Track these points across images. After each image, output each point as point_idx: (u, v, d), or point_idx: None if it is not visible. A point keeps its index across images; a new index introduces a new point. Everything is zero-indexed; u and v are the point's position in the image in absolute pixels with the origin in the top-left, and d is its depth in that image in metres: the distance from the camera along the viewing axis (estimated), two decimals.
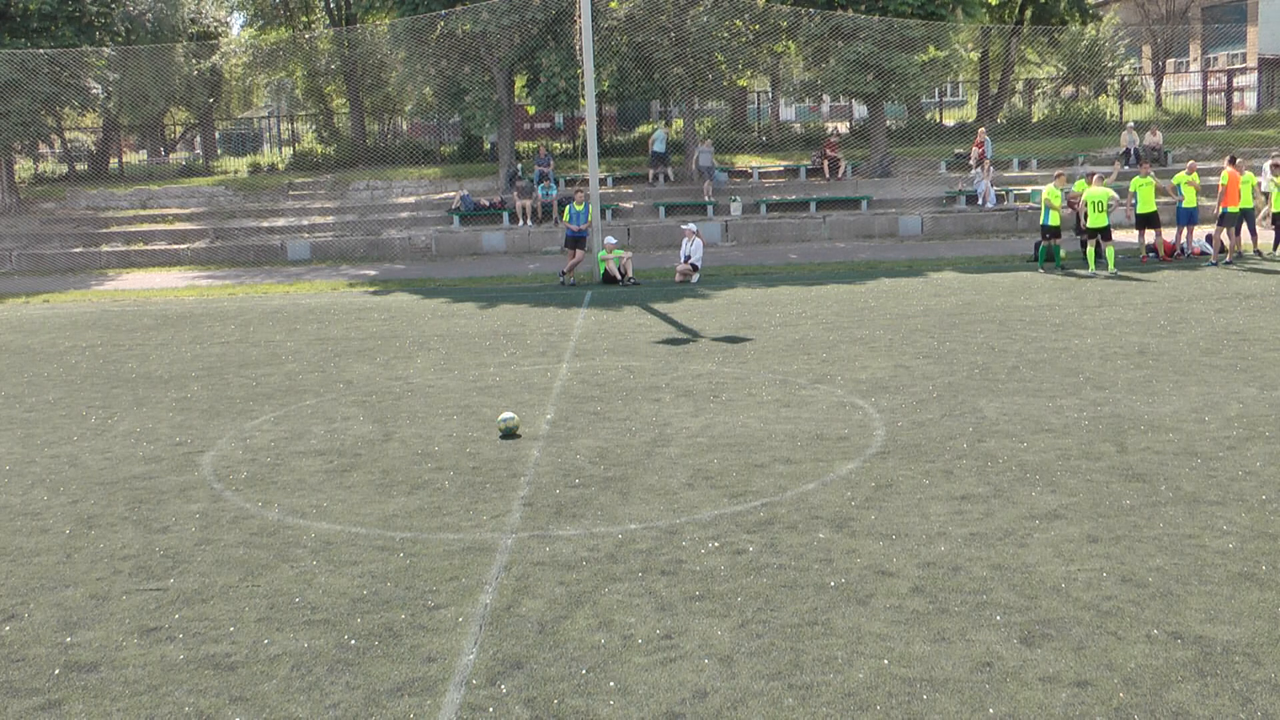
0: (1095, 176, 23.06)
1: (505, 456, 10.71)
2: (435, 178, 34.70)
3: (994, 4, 37.44)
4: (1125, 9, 48.73)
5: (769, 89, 41.82)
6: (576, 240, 24.17)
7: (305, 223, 32.36)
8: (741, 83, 35.54)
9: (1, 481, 10.62)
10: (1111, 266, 21.70)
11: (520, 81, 33.15)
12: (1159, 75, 43.77)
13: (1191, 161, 25.79)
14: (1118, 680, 5.96)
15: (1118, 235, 22.68)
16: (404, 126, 47.16)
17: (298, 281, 26.22)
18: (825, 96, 35.17)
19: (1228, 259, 22.68)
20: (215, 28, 41.71)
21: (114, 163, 40.53)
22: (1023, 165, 32.89)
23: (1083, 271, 21.82)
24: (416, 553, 8.25)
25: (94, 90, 32.86)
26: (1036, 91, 43.38)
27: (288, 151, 40.85)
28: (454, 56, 31.04)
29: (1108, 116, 37.73)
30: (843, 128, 40.46)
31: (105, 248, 31.34)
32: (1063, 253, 22.98)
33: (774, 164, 34.26)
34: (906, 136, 35.98)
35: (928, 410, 11.80)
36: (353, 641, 6.79)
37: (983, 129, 32.36)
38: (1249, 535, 7.93)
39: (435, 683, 6.24)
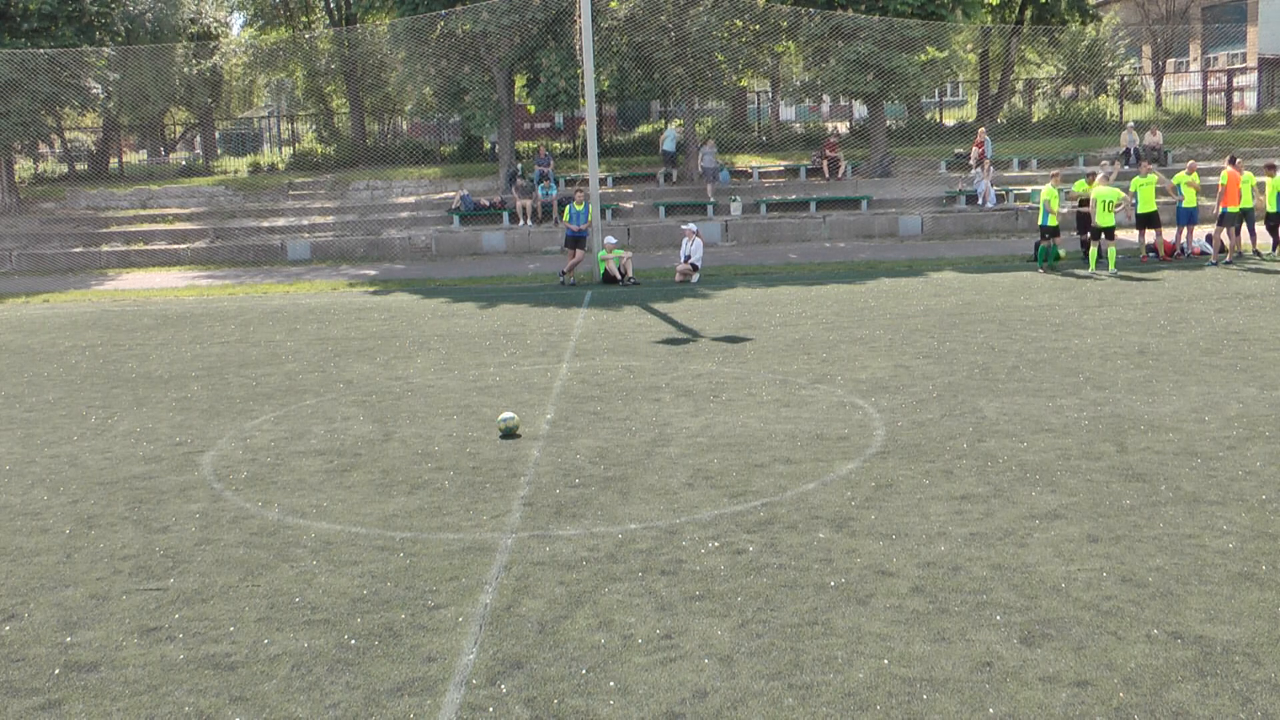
0: (1100, 176, 23.01)
1: (505, 456, 10.71)
2: (435, 178, 34.70)
3: (994, 4, 37.45)
4: (1125, 9, 48.74)
5: (769, 89, 41.82)
6: (576, 240, 24.17)
7: (305, 223, 32.36)
8: (742, 83, 35.53)
9: (1, 481, 10.62)
10: (1112, 266, 21.70)
11: (520, 81, 33.15)
12: (1159, 75, 43.77)
13: (1191, 161, 25.79)
14: (1118, 680, 5.96)
15: (1117, 235, 22.65)
16: (404, 126, 47.16)
17: (298, 281, 26.22)
18: (825, 96, 35.16)
19: (1228, 259, 22.68)
20: (215, 28, 41.71)
21: (114, 163, 40.54)
22: (1023, 165, 32.89)
23: (1083, 271, 21.81)
24: (416, 553, 8.25)
25: (94, 90, 32.85)
26: (1036, 91, 43.39)
27: (288, 151, 40.85)
28: (454, 56, 31.04)
29: (1108, 116, 37.73)
30: (843, 128, 40.46)
31: (105, 248, 31.34)
32: (1062, 252, 22.98)
33: (774, 164, 34.27)
34: (906, 136, 35.98)
35: (928, 410, 11.80)
36: (353, 641, 6.79)
37: (983, 129, 32.36)
38: (1249, 535, 7.93)
39: (435, 683, 6.24)
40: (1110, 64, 43.15)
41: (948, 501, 8.90)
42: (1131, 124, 33.43)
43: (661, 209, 30.96)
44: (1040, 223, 22.82)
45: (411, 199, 33.42)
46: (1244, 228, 23.15)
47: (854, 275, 23.20)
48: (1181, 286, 19.80)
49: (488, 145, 36.74)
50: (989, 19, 36.93)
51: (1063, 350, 14.59)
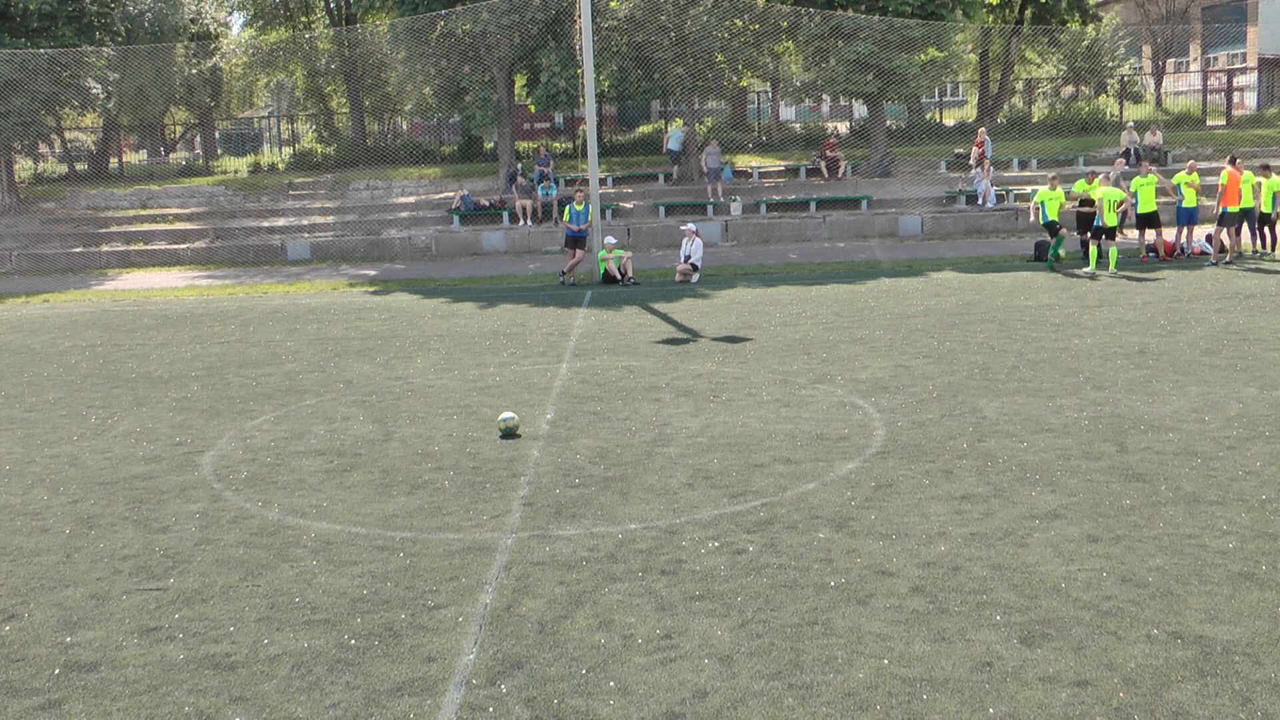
0: (1101, 177, 23.03)
1: (505, 456, 10.71)
2: (435, 178, 34.70)
3: (994, 4, 37.44)
4: (1125, 9, 48.73)
5: (769, 89, 41.82)
6: (576, 240, 24.17)
7: (305, 223, 32.36)
8: (742, 83, 35.52)
9: (1, 481, 10.62)
10: (1113, 266, 21.70)
11: (520, 81, 33.15)
12: (1159, 75, 43.76)
13: (1191, 161, 25.78)
14: (1118, 680, 5.96)
15: (1118, 235, 22.65)
16: (404, 126, 47.16)
17: (298, 281, 26.22)
18: (825, 96, 35.16)
19: (1228, 259, 22.68)
20: (215, 28, 41.71)
21: (114, 163, 40.53)
22: (1023, 165, 32.88)
23: (1083, 271, 21.81)
24: (416, 553, 8.25)
25: (94, 90, 32.85)
26: (1036, 91, 43.38)
27: (288, 151, 40.86)
28: (454, 56, 31.03)
29: (1108, 116, 37.73)
30: (843, 128, 40.46)
31: (105, 248, 31.34)
32: (1062, 252, 22.96)
33: (774, 164, 34.27)
34: (906, 136, 35.97)
35: (928, 410, 11.80)
36: (353, 641, 6.79)
37: (983, 129, 32.35)
38: (1249, 535, 7.93)
39: (435, 683, 6.24)
40: (1110, 64, 43.14)
41: (948, 501, 8.90)
42: (1131, 124, 33.42)
43: (661, 209, 30.96)
44: (1041, 221, 22.83)
45: (411, 199, 33.42)
46: (1244, 227, 23.16)
47: (854, 275, 23.20)
48: (1181, 286, 19.80)
49: (489, 145, 36.74)
50: (989, 19, 36.92)
51: (1063, 350, 14.59)
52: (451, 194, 32.21)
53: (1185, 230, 23.81)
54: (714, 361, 14.93)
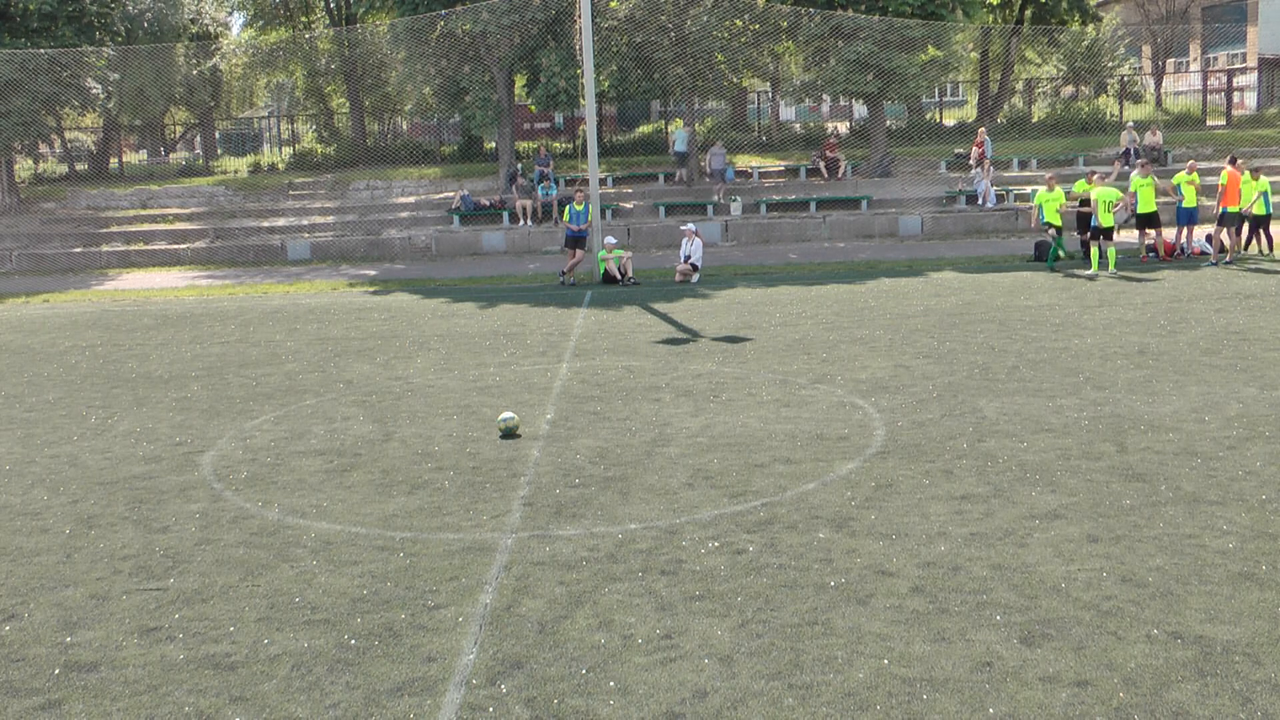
0: (1097, 177, 23.05)
1: (505, 456, 10.71)
2: (435, 178, 34.70)
3: (994, 4, 37.44)
4: (1125, 9, 48.72)
5: (769, 89, 41.82)
6: (576, 240, 24.18)
7: (305, 223, 32.36)
8: (742, 83, 35.53)
9: (1, 481, 10.62)
10: (1112, 266, 21.70)
11: (520, 81, 33.13)
12: (1159, 75, 43.76)
13: (1191, 161, 25.78)
14: (1118, 680, 5.96)
15: (1117, 235, 22.66)
16: (404, 126, 47.17)
17: (298, 281, 26.22)
18: (825, 96, 35.16)
19: (1228, 259, 22.68)
20: (215, 29, 41.71)
21: (114, 163, 40.53)
22: (1023, 165, 32.88)
23: (1084, 271, 21.81)
24: (416, 553, 8.25)
25: (94, 90, 32.85)
26: (1036, 91, 43.37)
27: (288, 151, 40.85)
28: (454, 56, 31.03)
29: (1108, 116, 37.73)
30: (843, 128, 40.46)
31: (105, 248, 31.34)
32: (1062, 253, 22.95)
33: (774, 164, 34.26)
34: (906, 136, 35.97)
35: (928, 410, 11.80)
36: (353, 641, 6.79)
37: (983, 129, 32.35)
38: (1249, 535, 7.93)
39: (435, 683, 6.24)
40: (1110, 64, 43.13)
41: (948, 501, 8.90)
42: (1131, 124, 33.42)
43: (661, 209, 30.96)
44: (1041, 222, 22.83)
45: (411, 199, 33.42)
46: (1244, 227, 23.15)
47: (854, 275, 23.20)
48: (1181, 286, 19.80)
49: (489, 145, 36.74)
50: (989, 19, 36.91)
51: (1063, 350, 14.59)
52: (451, 194, 32.21)
53: (1185, 230, 23.81)
54: (714, 361, 14.93)
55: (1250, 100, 42.24)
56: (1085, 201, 22.50)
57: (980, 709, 5.72)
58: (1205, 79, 41.21)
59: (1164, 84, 43.37)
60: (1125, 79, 42.79)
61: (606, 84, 29.62)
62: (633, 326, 18.10)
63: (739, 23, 31.43)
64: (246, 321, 20.30)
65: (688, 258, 23.62)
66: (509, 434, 11.41)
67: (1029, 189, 30.11)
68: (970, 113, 43.73)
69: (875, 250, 27.16)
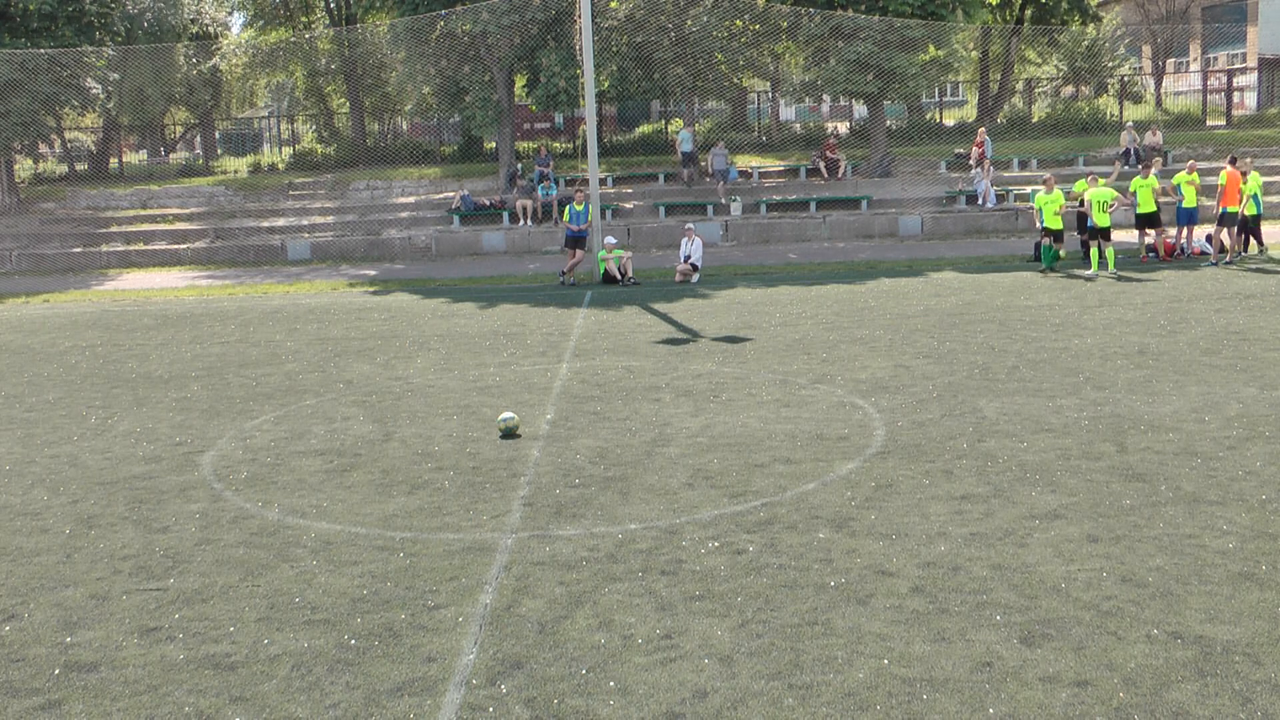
0: (1090, 177, 23.04)
1: (505, 456, 10.71)
2: (435, 178, 34.70)
3: (994, 4, 37.44)
4: (1125, 9, 48.72)
5: (769, 89, 41.81)
6: (576, 240, 24.18)
7: (305, 223, 32.36)
8: (743, 83, 35.52)
9: (1, 481, 10.62)
10: (1111, 266, 21.70)
11: (520, 81, 33.12)
12: (1159, 75, 43.76)
13: (1191, 161, 25.77)
14: (1118, 680, 5.96)
15: (1118, 235, 22.68)
16: (404, 126, 47.16)
17: (298, 281, 26.22)
18: (825, 96, 35.15)
19: (1228, 259, 22.68)
20: (215, 29, 41.71)
21: (114, 163, 40.52)
22: (1023, 165, 32.87)
23: (1084, 272, 21.80)
24: (416, 553, 8.25)
25: (94, 90, 32.84)
26: (1036, 91, 43.36)
27: (288, 151, 40.84)
28: (454, 56, 31.03)
29: (1108, 116, 37.72)
30: (843, 128, 40.45)
31: (105, 248, 31.33)
32: (1062, 253, 22.94)
33: (774, 164, 34.25)
34: (906, 136, 35.97)
35: (928, 410, 11.80)
36: (353, 641, 6.79)
37: (983, 129, 32.34)
38: (1249, 535, 7.93)
39: (435, 683, 6.24)
40: (1110, 64, 43.11)
41: (948, 501, 8.90)
42: (1131, 124, 33.41)
43: (661, 209, 30.96)
44: (1039, 224, 22.80)
45: (411, 199, 33.42)
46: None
47: (854, 275, 23.20)
48: (1181, 286, 19.80)
49: (489, 145, 36.74)
50: (989, 19, 36.90)
51: (1063, 350, 14.59)
52: (451, 194, 32.20)
53: (1185, 230, 23.80)
54: (714, 361, 14.93)
55: (1250, 100, 42.23)
56: (1085, 201, 22.49)
57: (980, 709, 5.72)
58: (1205, 79, 41.21)
59: (1164, 84, 43.37)
60: (1125, 79, 42.79)
61: (606, 84, 29.61)
62: (633, 326, 18.10)
63: (739, 23, 31.43)
64: (246, 321, 20.30)
65: (688, 258, 23.62)
66: (509, 434, 11.41)
67: (1029, 189, 30.10)
68: (970, 113, 43.73)
69: (875, 250, 27.16)
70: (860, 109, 40.80)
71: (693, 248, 23.64)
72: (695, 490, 9.44)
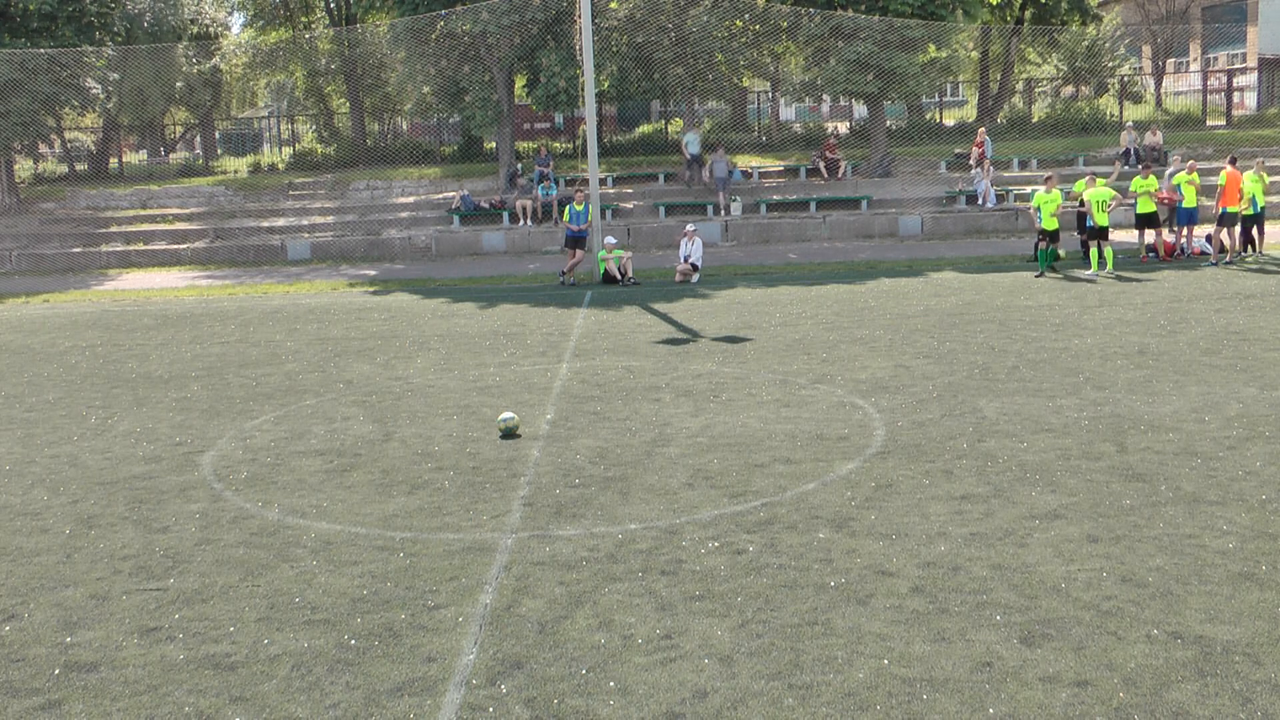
0: (1088, 177, 23.03)
1: (505, 456, 10.71)
2: (435, 178, 34.69)
3: (994, 4, 37.44)
4: (1125, 9, 48.72)
5: (769, 89, 41.81)
6: (576, 240, 24.18)
7: (305, 223, 32.35)
8: (743, 83, 35.51)
9: (1, 481, 10.62)
10: (1111, 266, 21.70)
11: (520, 81, 33.11)
12: (1159, 75, 43.75)
13: (1191, 161, 25.77)
14: (1118, 680, 5.96)
15: (1117, 235, 22.68)
16: (404, 126, 47.15)
17: (298, 281, 26.22)
18: (825, 96, 35.13)
19: (1228, 259, 22.68)
20: (215, 29, 41.71)
21: (114, 163, 40.52)
22: (1023, 165, 32.87)
23: (1083, 272, 21.80)
24: (416, 553, 8.25)
25: (94, 90, 32.84)
26: (1036, 91, 43.36)
27: (288, 151, 40.84)
28: (454, 56, 31.03)
29: (1108, 116, 37.72)
30: (843, 128, 40.45)
31: (105, 248, 31.33)
32: (1061, 252, 22.93)
33: (774, 164, 34.24)
34: (906, 136, 35.97)
35: (928, 410, 11.80)
36: (353, 641, 6.79)
37: (983, 129, 32.34)
38: (1249, 535, 7.93)
39: (435, 683, 6.24)
40: (1110, 64, 43.10)
41: (948, 501, 8.90)
42: (1131, 124, 33.41)
43: (661, 209, 30.95)
44: (1038, 225, 22.77)
45: (411, 199, 33.41)
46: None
47: (854, 275, 23.20)
48: (1181, 286, 19.80)
49: (489, 145, 36.72)
50: (989, 19, 36.90)
51: (1063, 350, 14.59)
52: (451, 194, 32.20)
53: (1185, 230, 23.80)
54: (714, 361, 14.93)
55: (1250, 100, 42.23)
56: (1084, 202, 22.48)
57: (980, 709, 5.72)
58: (1205, 79, 41.21)
59: (1164, 84, 43.36)
60: (1125, 79, 42.79)
61: (606, 84, 29.60)
62: (633, 326, 18.10)
63: (739, 23, 31.42)
64: (246, 321, 20.30)
65: (687, 258, 23.62)
66: (509, 434, 11.41)
67: (1029, 189, 30.10)
68: (970, 113, 43.73)
69: (875, 250, 27.16)
70: (860, 109, 40.80)
71: (693, 248, 23.63)
72: (695, 490, 9.44)
